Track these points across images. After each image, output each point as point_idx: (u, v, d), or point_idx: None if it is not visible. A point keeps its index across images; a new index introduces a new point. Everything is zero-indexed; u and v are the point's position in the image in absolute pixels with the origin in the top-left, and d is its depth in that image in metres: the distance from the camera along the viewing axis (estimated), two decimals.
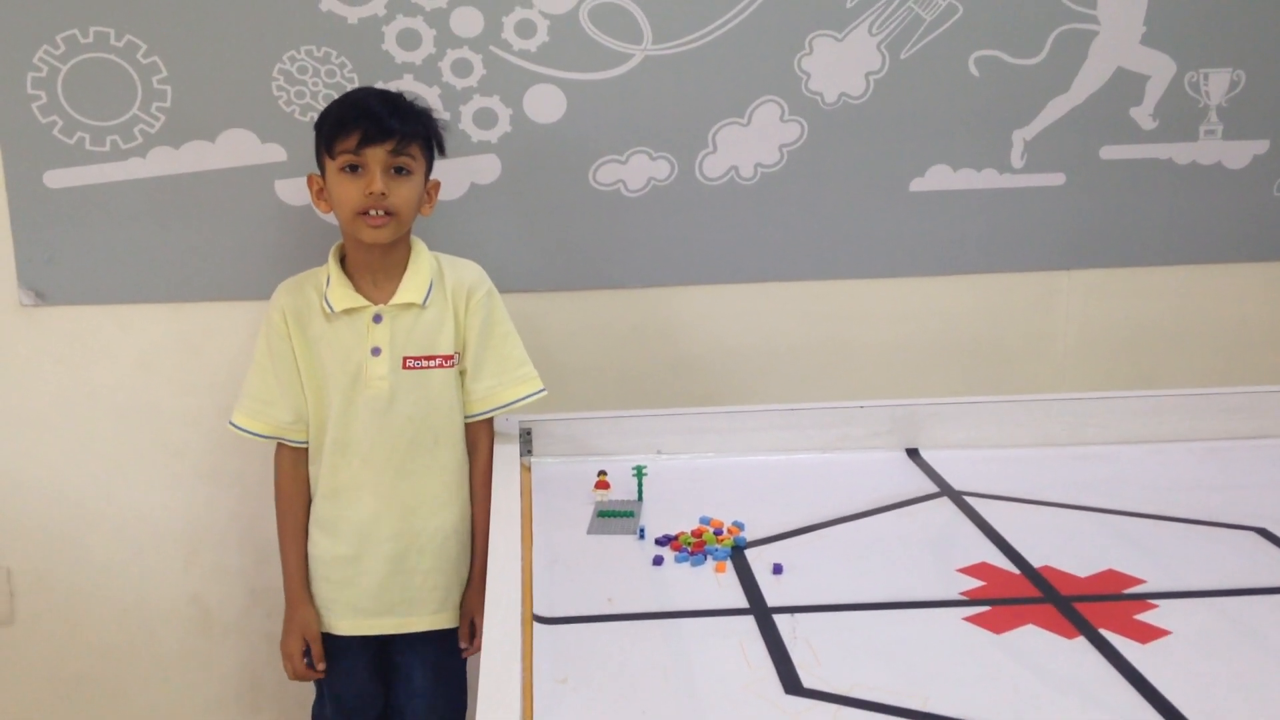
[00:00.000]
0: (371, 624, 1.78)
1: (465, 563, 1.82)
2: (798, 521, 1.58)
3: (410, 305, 1.73)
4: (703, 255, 2.07)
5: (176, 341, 2.02)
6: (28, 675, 2.13)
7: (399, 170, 1.67)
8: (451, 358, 1.75)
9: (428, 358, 1.74)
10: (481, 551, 1.79)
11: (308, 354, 1.75)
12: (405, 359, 1.73)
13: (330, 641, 1.80)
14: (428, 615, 1.79)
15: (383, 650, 1.85)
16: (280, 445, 1.79)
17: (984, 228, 2.10)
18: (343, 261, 1.76)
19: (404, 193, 1.68)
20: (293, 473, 1.79)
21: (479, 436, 1.81)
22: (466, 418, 1.80)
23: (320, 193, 1.73)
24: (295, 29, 1.91)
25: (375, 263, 1.73)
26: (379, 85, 1.90)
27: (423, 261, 1.75)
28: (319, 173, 1.73)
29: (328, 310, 1.72)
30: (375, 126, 1.65)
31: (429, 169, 1.75)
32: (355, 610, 1.78)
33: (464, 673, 1.88)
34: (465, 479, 1.81)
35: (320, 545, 1.78)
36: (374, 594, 1.77)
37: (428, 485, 1.76)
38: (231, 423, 1.77)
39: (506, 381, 1.79)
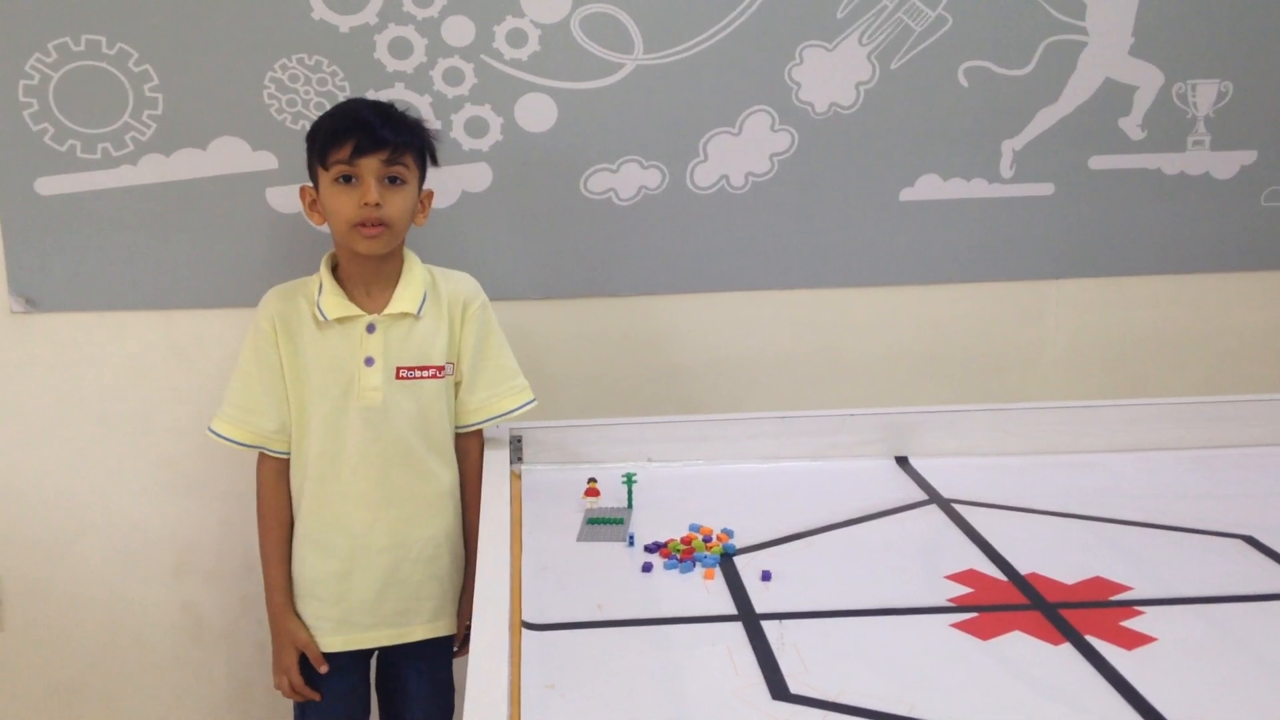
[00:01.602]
0: (364, 637, 1.77)
1: (458, 571, 1.81)
2: (787, 529, 1.58)
3: (404, 315, 1.72)
4: (694, 264, 2.07)
5: (168, 349, 2.02)
6: (18, 682, 2.12)
7: (393, 180, 1.67)
8: (444, 368, 1.75)
9: (421, 368, 1.73)
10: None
11: (294, 363, 1.73)
12: (399, 369, 1.72)
13: (317, 669, 1.78)
14: (423, 625, 1.78)
15: (370, 668, 1.85)
16: (263, 456, 1.77)
17: (973, 237, 2.11)
18: (334, 271, 1.76)
19: (398, 203, 1.67)
20: (276, 484, 1.77)
21: (471, 445, 1.81)
22: (459, 428, 1.80)
23: (313, 204, 1.72)
24: (287, 37, 1.91)
25: (369, 273, 1.73)
26: (370, 94, 1.91)
27: (416, 272, 1.75)
28: (311, 183, 1.73)
29: (320, 318, 1.71)
30: (368, 136, 1.64)
31: (422, 179, 1.74)
32: (347, 625, 1.76)
33: (452, 681, 1.88)
34: (455, 488, 1.80)
35: (308, 563, 1.76)
36: (367, 608, 1.75)
37: (420, 495, 1.75)
38: (211, 429, 1.75)
39: (501, 393, 1.79)
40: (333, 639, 1.76)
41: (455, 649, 1.84)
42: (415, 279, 1.74)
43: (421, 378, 1.73)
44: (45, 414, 2.03)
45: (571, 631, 1.29)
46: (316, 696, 1.79)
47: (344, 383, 1.71)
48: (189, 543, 2.10)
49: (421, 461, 1.75)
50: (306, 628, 1.77)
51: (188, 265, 1.99)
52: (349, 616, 1.76)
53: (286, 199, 1.96)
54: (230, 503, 2.06)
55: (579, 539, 1.56)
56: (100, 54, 1.90)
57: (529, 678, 1.17)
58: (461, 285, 1.78)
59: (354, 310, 1.71)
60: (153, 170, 1.95)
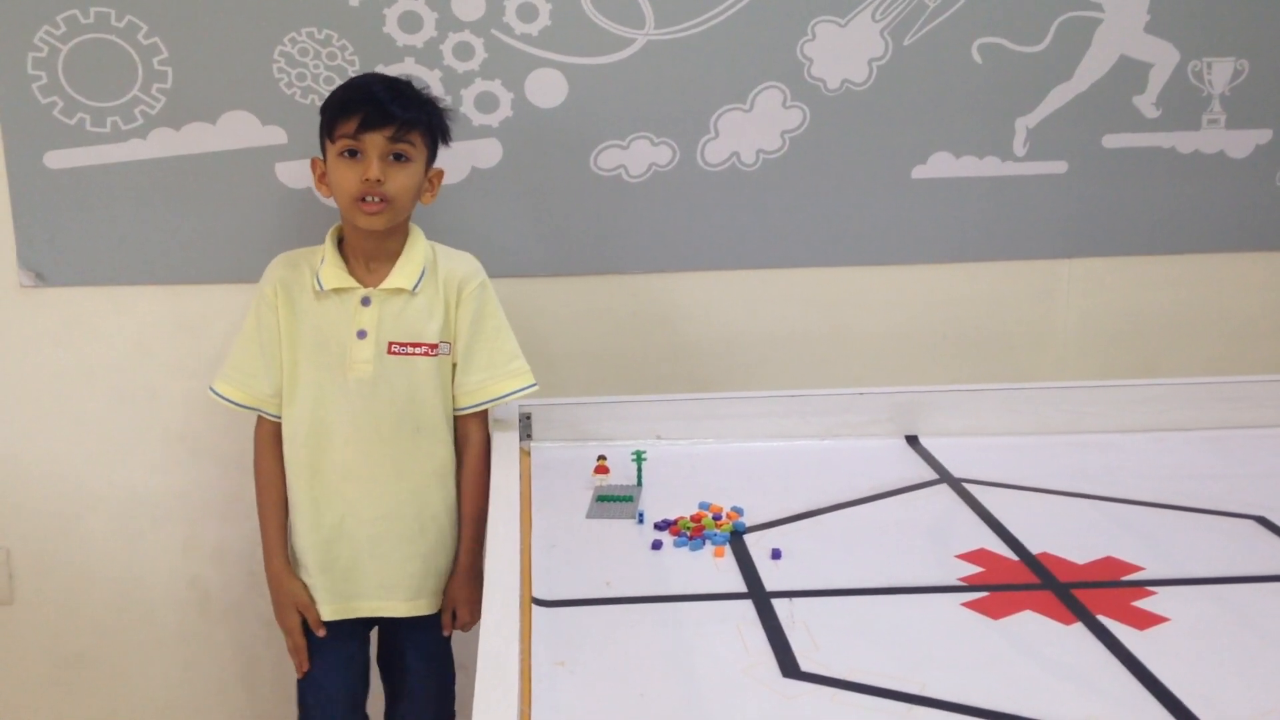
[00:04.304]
0: (348, 607, 1.78)
1: (442, 550, 1.80)
2: (797, 507, 1.58)
3: (400, 291, 1.72)
4: (704, 241, 2.06)
5: (175, 324, 2.02)
6: (27, 655, 2.13)
7: (398, 157, 1.67)
8: (437, 346, 1.74)
9: (413, 345, 1.73)
10: (470, 543, 1.79)
11: (291, 329, 1.74)
12: (391, 344, 1.72)
13: (315, 633, 1.79)
14: (404, 601, 1.78)
15: (367, 643, 1.86)
16: (261, 419, 1.78)
17: (985, 215, 2.10)
18: (341, 244, 1.75)
19: (401, 180, 1.67)
20: (272, 447, 1.78)
21: (470, 430, 1.80)
22: (456, 410, 1.79)
23: (323, 176, 1.73)
24: (296, 11, 1.90)
25: (371, 247, 1.73)
26: (380, 68, 1.90)
27: (418, 249, 1.75)
28: (322, 156, 1.73)
29: (317, 288, 1.72)
30: (375, 112, 1.64)
31: (431, 157, 1.74)
32: (333, 595, 1.77)
33: (450, 652, 1.89)
34: (449, 469, 1.79)
35: (299, 533, 1.77)
36: (349, 578, 1.76)
37: (409, 471, 1.75)
38: (212, 389, 1.76)
39: (498, 375, 1.78)
40: (324, 608, 1.78)
41: (445, 631, 1.84)
42: (416, 256, 1.74)
43: (414, 354, 1.73)
44: (53, 388, 2.03)
45: (581, 608, 1.29)
46: (307, 665, 1.80)
47: (336, 354, 1.72)
48: (196, 517, 2.10)
49: (412, 438, 1.75)
50: (307, 589, 1.78)
51: (196, 240, 1.98)
52: (335, 586, 1.77)
53: (296, 174, 1.95)
54: (237, 478, 2.05)
55: (588, 516, 1.56)
56: (109, 26, 1.89)
57: (539, 654, 1.17)
58: (460, 265, 1.78)
59: (350, 282, 1.72)
60: (162, 144, 1.94)
